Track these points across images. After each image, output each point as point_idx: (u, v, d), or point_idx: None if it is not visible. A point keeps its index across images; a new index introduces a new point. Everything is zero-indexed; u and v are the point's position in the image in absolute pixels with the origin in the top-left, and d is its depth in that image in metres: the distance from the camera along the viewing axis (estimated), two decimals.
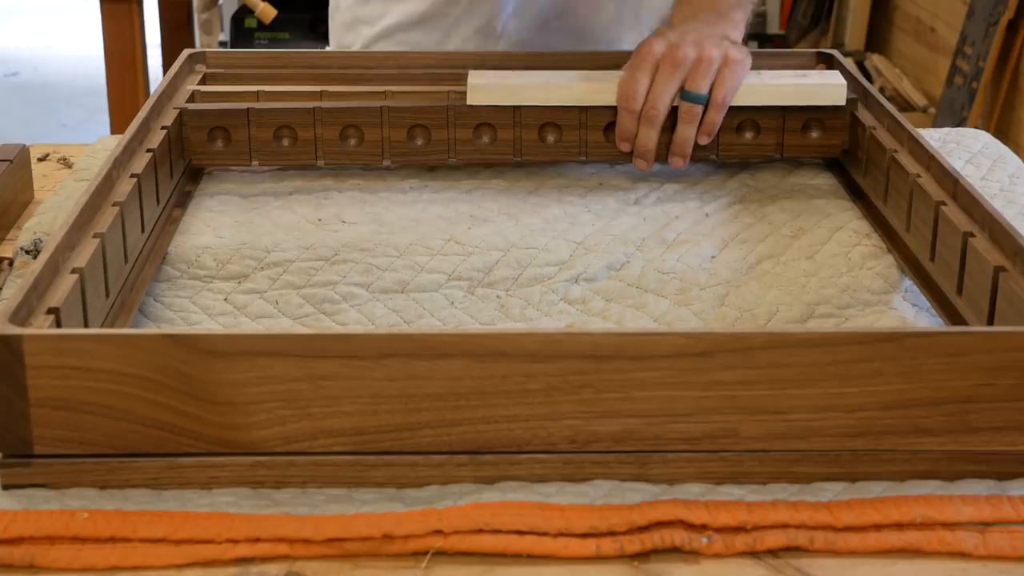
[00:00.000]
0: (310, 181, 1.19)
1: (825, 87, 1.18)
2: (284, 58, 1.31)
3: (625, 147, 1.17)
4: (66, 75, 5.04)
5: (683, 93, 1.15)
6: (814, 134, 1.19)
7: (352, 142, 1.18)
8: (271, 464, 0.79)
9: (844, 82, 1.19)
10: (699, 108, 1.15)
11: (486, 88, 1.18)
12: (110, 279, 0.93)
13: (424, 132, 1.18)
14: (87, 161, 1.25)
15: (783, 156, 1.20)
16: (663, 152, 1.18)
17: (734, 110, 1.17)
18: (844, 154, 1.20)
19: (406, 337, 0.77)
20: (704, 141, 1.17)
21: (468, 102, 1.17)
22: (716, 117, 1.16)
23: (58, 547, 0.74)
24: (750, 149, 1.20)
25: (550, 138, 1.19)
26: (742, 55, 1.17)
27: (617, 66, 1.23)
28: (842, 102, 1.18)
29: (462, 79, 1.23)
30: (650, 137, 1.16)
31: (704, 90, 1.15)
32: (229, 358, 0.77)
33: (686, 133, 1.16)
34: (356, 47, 1.50)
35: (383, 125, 1.18)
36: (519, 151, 1.19)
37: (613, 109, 1.17)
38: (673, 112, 1.16)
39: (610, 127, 1.18)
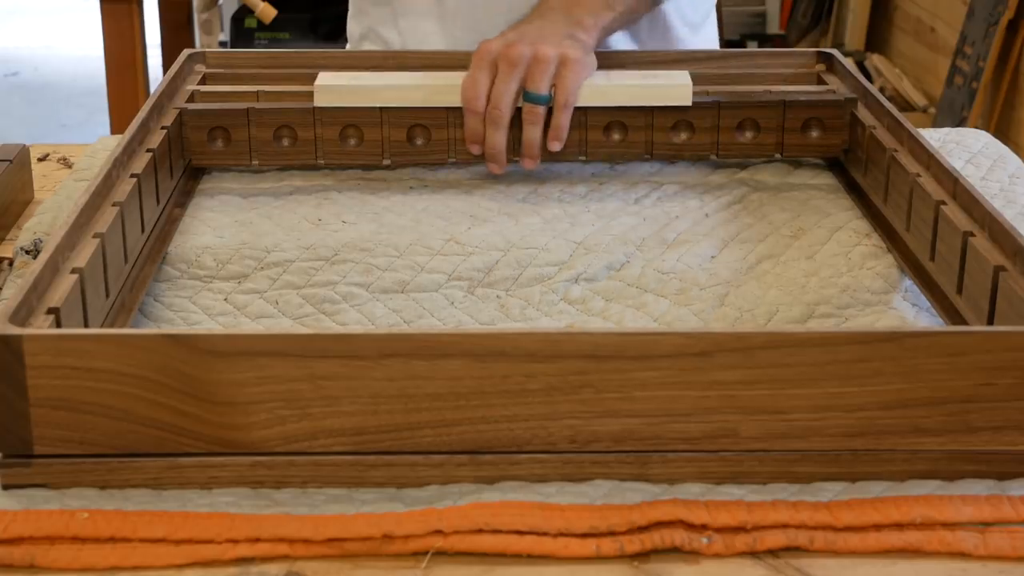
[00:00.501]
0: (310, 181, 1.19)
1: (671, 88, 1.17)
2: (284, 58, 1.31)
3: (475, 149, 1.16)
4: (66, 75, 5.04)
5: (524, 94, 1.13)
6: (814, 133, 1.19)
7: (352, 142, 1.18)
8: (271, 464, 0.79)
9: (689, 82, 1.17)
10: (541, 109, 1.13)
11: (333, 90, 1.17)
12: (110, 279, 0.93)
13: (424, 132, 1.18)
14: (87, 161, 1.25)
15: (783, 155, 1.20)
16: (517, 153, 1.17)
17: (735, 109, 1.17)
18: (844, 153, 1.20)
19: (406, 337, 0.77)
20: (556, 147, 1.15)
21: (315, 104, 1.17)
22: (562, 119, 1.14)
23: (58, 547, 0.74)
24: (750, 148, 1.20)
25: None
26: (580, 53, 1.15)
27: None
28: (688, 102, 1.17)
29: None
30: (497, 139, 1.14)
31: (544, 90, 1.13)
32: (229, 358, 0.77)
33: (532, 135, 1.14)
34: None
35: (383, 125, 1.18)
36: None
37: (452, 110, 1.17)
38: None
39: (609, 128, 1.18)
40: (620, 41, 1.45)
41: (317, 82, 1.18)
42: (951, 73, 3.41)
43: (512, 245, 1.06)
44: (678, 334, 0.78)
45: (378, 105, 1.17)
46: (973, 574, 0.74)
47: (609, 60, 1.26)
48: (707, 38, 1.50)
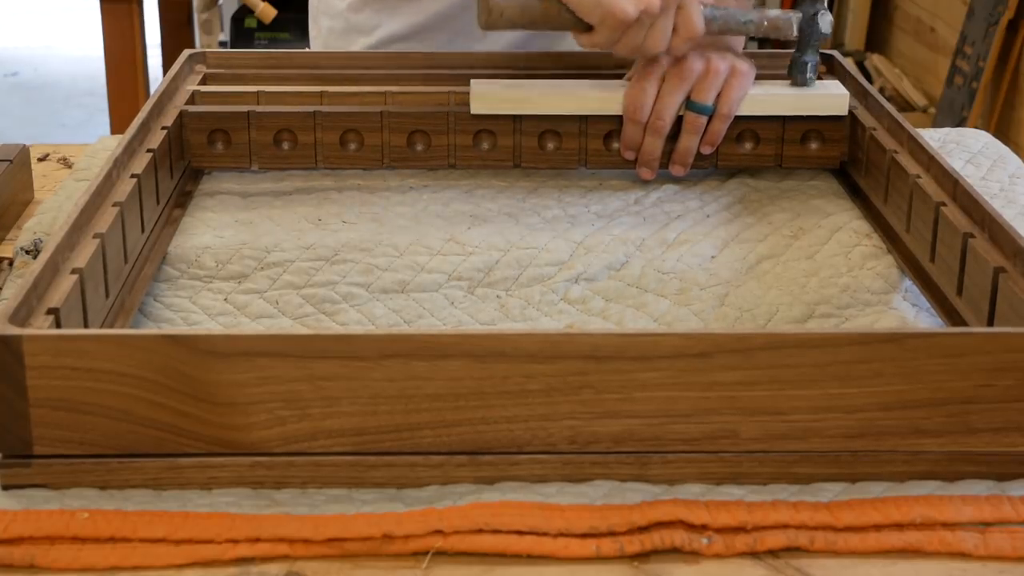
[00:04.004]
0: (310, 181, 1.19)
1: (828, 97, 1.18)
2: (284, 58, 1.31)
3: (630, 155, 1.18)
4: (66, 75, 5.04)
5: (689, 103, 1.15)
6: (813, 145, 1.19)
7: (352, 147, 1.18)
8: (271, 464, 0.79)
9: (846, 92, 1.19)
10: (703, 119, 1.16)
11: (489, 97, 1.18)
12: (110, 279, 0.93)
13: (424, 138, 1.18)
14: (87, 161, 1.25)
15: (782, 166, 1.21)
16: (664, 160, 1.18)
17: (735, 119, 1.17)
18: (843, 155, 1.20)
19: (406, 337, 0.77)
20: (708, 151, 1.18)
21: (472, 111, 1.17)
22: (720, 127, 1.16)
23: (58, 547, 0.74)
24: (749, 159, 1.20)
25: (550, 145, 1.19)
26: (748, 66, 1.17)
27: (617, 67, 1.23)
28: (844, 112, 1.18)
29: (463, 80, 1.23)
30: (655, 147, 1.16)
31: (710, 101, 1.15)
32: (229, 358, 0.77)
33: (689, 143, 1.17)
34: None
35: (383, 130, 1.18)
36: (519, 158, 1.19)
37: (614, 118, 1.17)
38: (677, 121, 1.16)
39: (610, 135, 1.18)
40: None
41: (473, 88, 1.17)
42: (951, 73, 3.41)
43: (512, 245, 1.06)
44: (678, 335, 0.78)
45: (537, 113, 1.17)
46: (973, 574, 0.74)
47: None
48: None
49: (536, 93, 1.18)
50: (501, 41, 1.41)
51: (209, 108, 1.19)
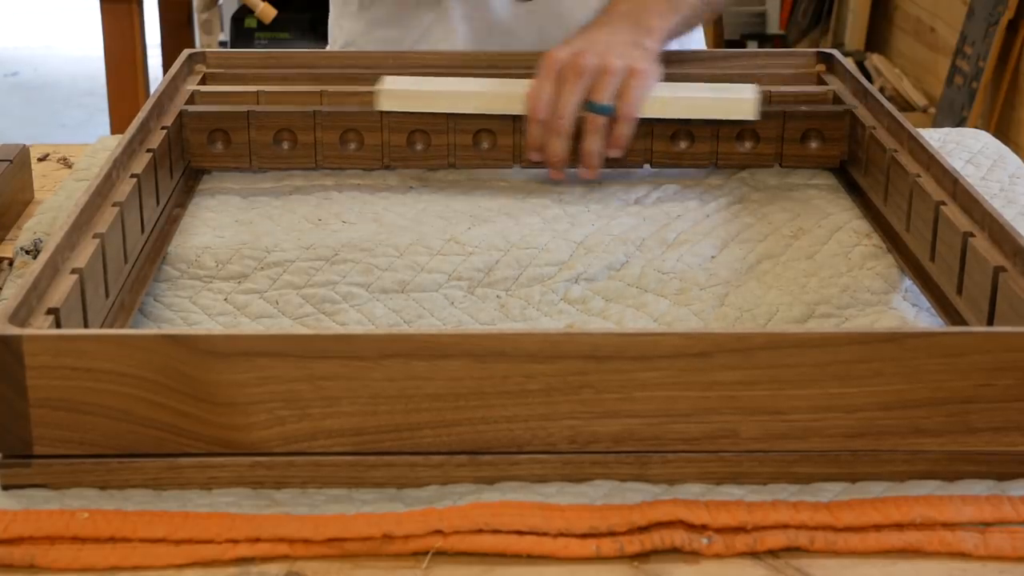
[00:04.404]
0: (310, 181, 1.19)
1: (737, 101, 1.17)
2: (284, 58, 1.31)
3: (534, 156, 1.16)
4: (66, 75, 5.04)
5: (587, 104, 1.13)
6: (813, 144, 1.19)
7: (352, 146, 1.18)
8: (271, 464, 0.79)
9: (755, 96, 1.17)
10: (602, 119, 1.13)
11: (397, 94, 1.17)
12: (110, 279, 0.93)
13: (424, 137, 1.18)
14: (87, 161, 1.25)
15: (782, 165, 1.21)
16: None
17: (650, 123, 1.16)
18: (843, 154, 1.20)
19: (406, 337, 0.77)
20: (616, 154, 1.15)
21: (378, 107, 1.17)
22: (624, 130, 1.14)
23: (58, 547, 0.74)
24: (748, 159, 1.20)
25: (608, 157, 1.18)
26: (647, 64, 1.15)
27: None
28: (752, 116, 1.16)
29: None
30: (558, 147, 1.14)
31: (608, 100, 1.13)
32: (229, 358, 0.77)
33: (591, 145, 1.14)
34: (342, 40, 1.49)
35: (383, 130, 1.18)
36: (519, 158, 1.19)
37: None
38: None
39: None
40: None
41: (384, 86, 1.17)
42: (951, 73, 3.41)
43: (512, 245, 1.06)
44: (678, 334, 0.78)
45: (443, 111, 1.17)
46: (973, 574, 0.74)
47: None
48: (695, 41, 1.50)
49: (442, 91, 1.18)
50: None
51: (209, 108, 1.19)
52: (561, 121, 1.13)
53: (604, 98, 1.13)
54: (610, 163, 1.19)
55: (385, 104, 1.17)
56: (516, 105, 1.16)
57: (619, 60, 1.13)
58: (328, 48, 1.54)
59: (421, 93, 1.18)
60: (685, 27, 1.28)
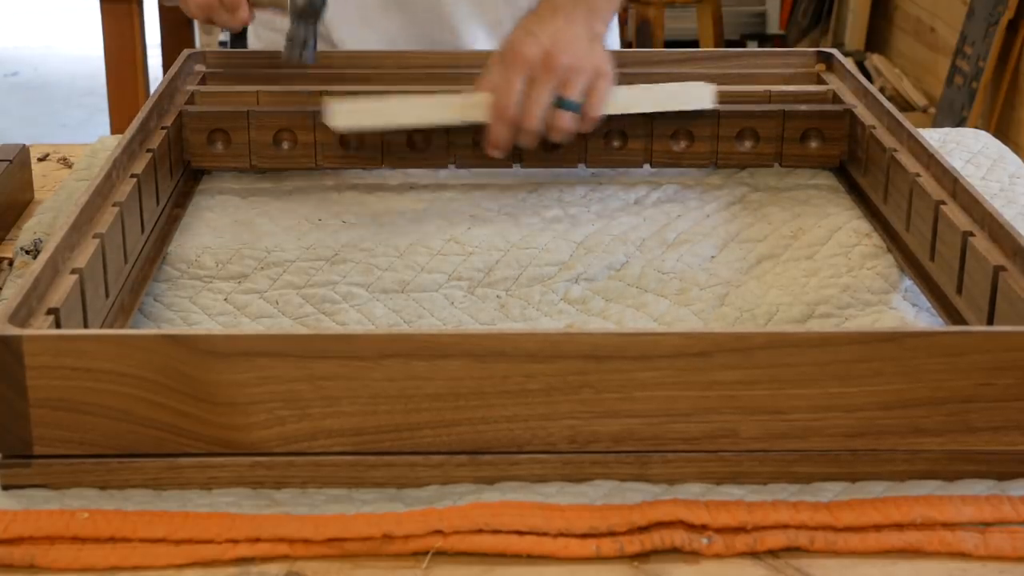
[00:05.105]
0: (310, 181, 1.19)
1: (693, 88, 1.17)
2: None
3: (498, 154, 1.14)
4: (66, 75, 5.03)
5: (557, 100, 1.11)
6: (813, 144, 1.19)
7: (352, 146, 1.18)
8: (271, 464, 0.79)
9: (711, 88, 1.17)
10: (570, 117, 1.12)
11: (349, 112, 1.14)
12: (110, 279, 0.93)
13: (423, 137, 1.18)
14: (87, 161, 1.25)
15: (781, 165, 1.21)
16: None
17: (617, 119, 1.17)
18: (843, 154, 1.20)
19: (406, 337, 0.77)
20: (557, 139, 1.14)
21: (330, 124, 1.14)
22: (587, 129, 1.14)
23: (58, 547, 0.74)
24: (748, 158, 1.20)
25: (550, 144, 1.18)
26: (610, 65, 1.14)
27: None
28: (710, 105, 1.16)
29: (463, 79, 1.23)
30: (529, 144, 1.13)
31: (578, 98, 1.12)
32: (229, 358, 0.77)
33: (557, 140, 1.13)
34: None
35: (382, 130, 1.18)
36: (519, 157, 1.19)
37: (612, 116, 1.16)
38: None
39: (609, 134, 1.18)
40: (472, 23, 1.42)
41: (332, 107, 1.14)
42: (951, 73, 3.41)
43: (512, 245, 1.06)
44: (678, 334, 0.78)
45: (397, 126, 1.15)
46: (973, 574, 0.74)
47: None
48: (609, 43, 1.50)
49: (395, 104, 1.15)
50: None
51: (209, 108, 1.19)
52: (534, 120, 1.11)
53: (575, 95, 1.12)
54: (611, 163, 1.19)
55: (338, 121, 1.14)
56: (473, 113, 1.13)
57: (587, 61, 1.13)
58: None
59: (373, 108, 1.15)
60: (614, 13, 1.27)
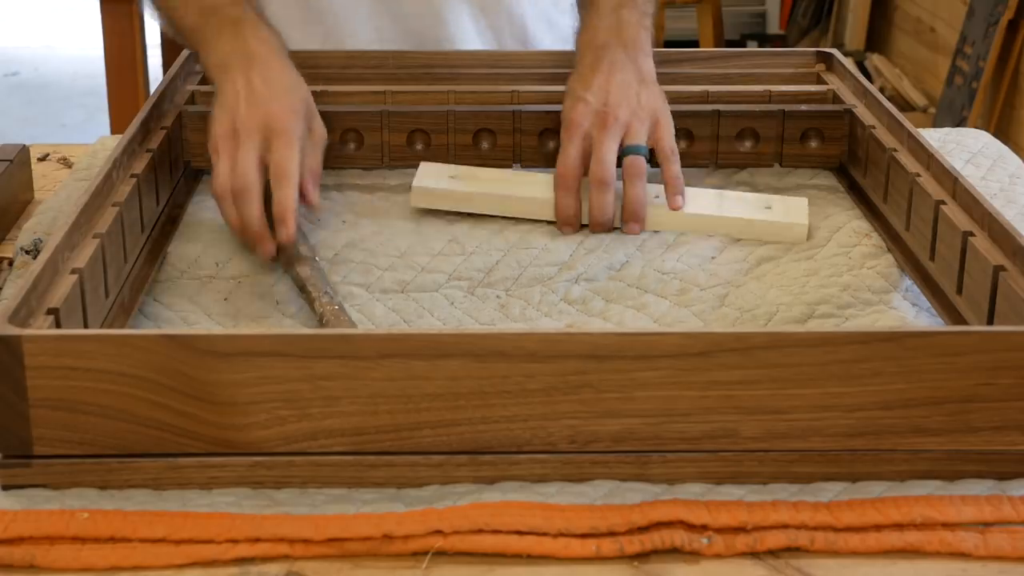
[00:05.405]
0: None
1: (788, 226, 1.08)
2: None
3: (568, 230, 1.10)
4: (66, 75, 5.03)
5: (624, 148, 1.10)
6: (813, 143, 1.19)
7: (351, 146, 1.18)
8: (271, 464, 0.79)
9: (806, 223, 1.09)
10: (643, 161, 1.10)
11: (430, 194, 1.12)
12: (110, 279, 0.93)
13: (424, 137, 1.18)
14: (87, 161, 1.25)
15: (782, 165, 1.21)
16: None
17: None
18: (843, 154, 1.20)
19: (406, 337, 0.77)
20: (679, 203, 1.10)
21: (412, 204, 1.12)
22: (675, 168, 1.11)
23: (58, 547, 0.74)
24: (748, 158, 1.20)
25: (550, 143, 1.18)
26: (663, 102, 1.13)
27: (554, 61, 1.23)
28: (803, 239, 1.08)
29: (462, 79, 1.23)
30: (607, 203, 1.09)
31: (645, 142, 1.11)
32: (229, 358, 0.77)
33: (639, 190, 1.09)
34: None
35: (383, 129, 1.18)
36: (519, 156, 1.19)
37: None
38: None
39: None
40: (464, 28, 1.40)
41: (417, 182, 1.12)
42: (951, 73, 3.41)
43: (512, 245, 1.06)
44: (678, 334, 0.78)
45: (478, 212, 1.11)
46: (973, 574, 0.74)
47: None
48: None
49: (478, 191, 1.11)
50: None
51: (209, 108, 1.19)
52: (604, 173, 1.09)
53: (641, 140, 1.10)
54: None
55: (416, 203, 1.12)
56: (550, 211, 1.10)
57: (643, 112, 1.11)
58: None
59: (453, 193, 1.11)
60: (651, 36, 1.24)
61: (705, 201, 1.11)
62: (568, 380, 0.78)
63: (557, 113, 1.16)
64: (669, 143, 1.12)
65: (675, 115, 1.17)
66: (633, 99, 1.12)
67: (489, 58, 1.31)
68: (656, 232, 1.09)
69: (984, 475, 0.80)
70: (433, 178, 1.13)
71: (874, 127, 1.14)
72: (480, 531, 0.75)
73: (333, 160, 1.18)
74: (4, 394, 0.77)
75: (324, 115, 1.16)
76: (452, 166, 1.15)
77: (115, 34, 2.86)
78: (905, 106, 3.68)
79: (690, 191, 1.10)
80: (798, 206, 1.11)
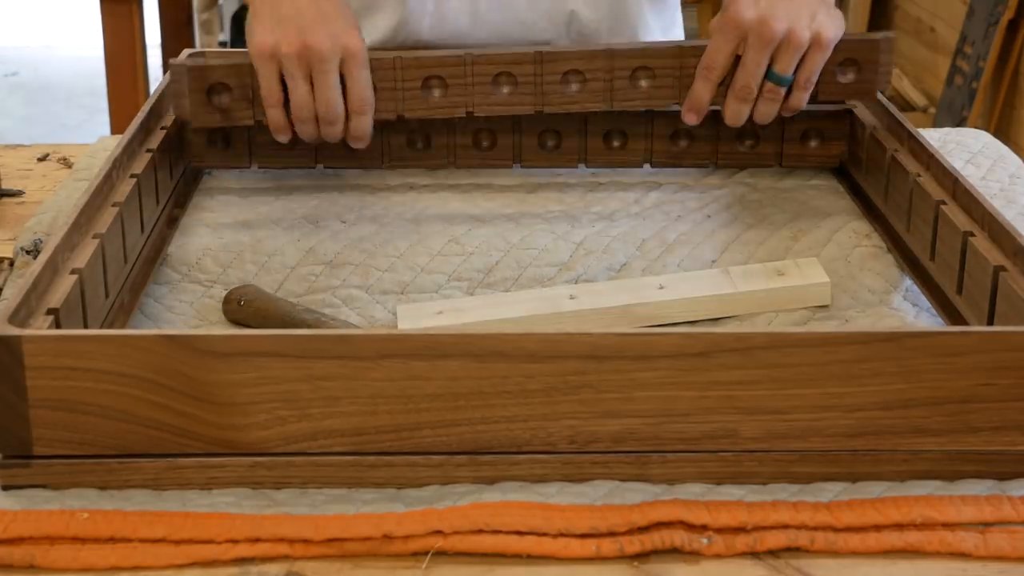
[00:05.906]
0: (310, 181, 1.19)
1: (809, 288, 1.02)
2: None
3: (692, 119, 1.12)
4: (66, 75, 5.04)
5: (769, 74, 1.09)
6: (813, 144, 1.19)
7: (352, 147, 1.18)
8: (271, 464, 0.79)
9: (827, 279, 1.02)
10: (782, 89, 1.10)
11: (416, 318, 1.00)
12: (110, 280, 0.93)
13: (424, 137, 1.18)
14: (87, 161, 1.25)
15: (782, 165, 1.20)
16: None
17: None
18: (843, 154, 1.20)
19: (405, 337, 0.77)
20: (788, 113, 1.12)
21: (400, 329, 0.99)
22: (802, 99, 1.10)
23: (58, 547, 0.74)
24: (749, 158, 1.20)
25: (550, 143, 1.18)
26: (835, 30, 1.09)
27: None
28: (827, 302, 1.02)
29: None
30: (741, 113, 1.10)
31: (790, 72, 1.09)
32: (228, 359, 0.77)
33: (769, 110, 1.11)
34: None
35: (382, 130, 1.18)
36: (519, 156, 1.19)
37: (612, 114, 1.15)
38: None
39: (609, 134, 1.18)
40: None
41: (401, 322, 1.00)
42: (951, 73, 3.41)
43: (512, 246, 1.06)
44: (678, 334, 0.78)
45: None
46: (973, 574, 0.74)
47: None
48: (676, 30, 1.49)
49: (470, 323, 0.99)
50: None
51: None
52: (748, 90, 1.09)
53: (787, 70, 1.08)
54: (611, 163, 1.19)
55: (405, 325, 1.00)
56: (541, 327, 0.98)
57: (807, 31, 1.08)
58: None
59: (441, 323, 0.99)
60: None
61: (715, 282, 1.02)
62: (568, 380, 0.78)
63: (557, 115, 1.15)
64: (808, 77, 1.09)
65: (674, 115, 1.16)
66: (800, 16, 1.08)
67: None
68: (656, 233, 1.09)
69: (984, 475, 0.80)
70: (419, 318, 1.00)
71: (874, 128, 1.14)
72: (480, 531, 0.75)
73: (333, 160, 1.18)
74: (4, 394, 0.77)
75: None
76: (435, 302, 1.02)
77: (115, 34, 2.86)
78: (905, 106, 3.68)
79: (691, 274, 1.04)
80: (811, 266, 1.04)
